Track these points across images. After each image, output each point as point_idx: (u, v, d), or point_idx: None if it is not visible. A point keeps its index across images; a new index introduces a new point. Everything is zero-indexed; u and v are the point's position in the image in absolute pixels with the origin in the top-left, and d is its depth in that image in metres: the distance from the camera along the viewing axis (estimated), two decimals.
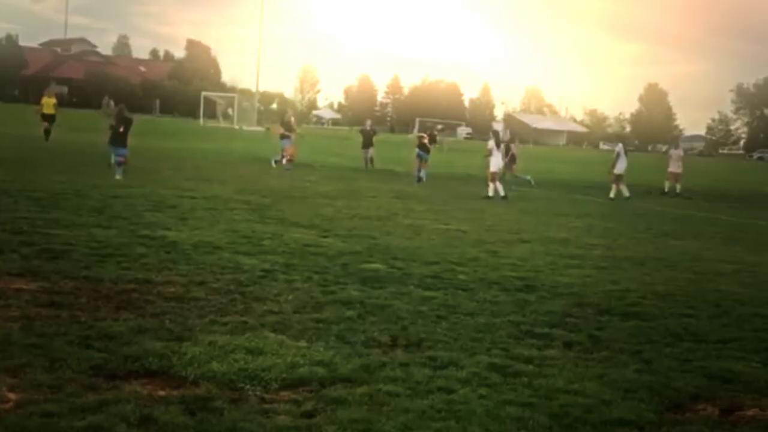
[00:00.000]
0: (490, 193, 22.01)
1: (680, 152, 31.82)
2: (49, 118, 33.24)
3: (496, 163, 22.52)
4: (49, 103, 34.06)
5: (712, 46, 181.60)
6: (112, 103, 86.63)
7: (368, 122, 34.63)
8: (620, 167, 25.92)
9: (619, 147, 27.47)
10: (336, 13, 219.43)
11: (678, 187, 30.10)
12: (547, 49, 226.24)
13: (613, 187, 25.72)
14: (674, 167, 30.58)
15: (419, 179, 27.06)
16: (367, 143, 32.37)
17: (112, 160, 21.09)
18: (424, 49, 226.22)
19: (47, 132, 32.64)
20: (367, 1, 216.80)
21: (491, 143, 23.10)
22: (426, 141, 28.72)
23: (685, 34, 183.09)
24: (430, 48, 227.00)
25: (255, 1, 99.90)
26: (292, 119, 31.20)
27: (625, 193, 25.41)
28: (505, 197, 21.96)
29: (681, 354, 7.57)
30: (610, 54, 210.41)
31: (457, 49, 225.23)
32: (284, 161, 28.32)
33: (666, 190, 30.08)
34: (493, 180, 22.27)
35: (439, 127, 45.27)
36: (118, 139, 20.79)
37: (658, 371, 6.95)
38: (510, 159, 28.34)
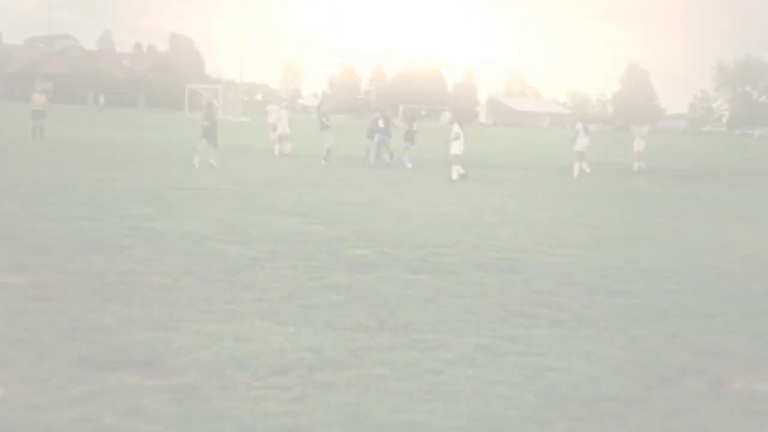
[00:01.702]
0: (454, 176, 21.89)
1: (644, 130, 31.76)
2: (39, 116, 32.68)
3: (459, 146, 22.41)
4: (40, 100, 33.55)
5: (692, 24, 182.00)
6: (102, 98, 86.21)
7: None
8: (581, 144, 26.13)
9: (579, 125, 27.91)
10: (318, 4, 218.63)
11: (644, 165, 30.07)
12: (528, 32, 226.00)
13: (576, 165, 25.87)
14: (638, 146, 30.61)
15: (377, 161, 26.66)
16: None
17: (197, 159, 22.33)
18: (406, 37, 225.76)
19: (35, 130, 32.07)
20: None
21: (456, 127, 22.98)
22: (381, 124, 27.53)
23: (664, 13, 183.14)
24: (411, 35, 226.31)
25: None
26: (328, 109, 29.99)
27: (586, 169, 25.62)
28: (465, 176, 21.91)
29: (667, 330, 7.62)
30: (590, 35, 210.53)
31: (440, 34, 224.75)
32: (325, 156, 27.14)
33: (635, 169, 29.99)
34: (456, 162, 22.15)
35: (423, 113, 44.75)
36: (208, 133, 22.70)
37: (645, 347, 7.00)
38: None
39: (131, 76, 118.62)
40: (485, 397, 5.56)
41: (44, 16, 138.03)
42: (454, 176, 21.86)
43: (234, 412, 5.11)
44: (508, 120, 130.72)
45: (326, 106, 30.45)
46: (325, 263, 9.88)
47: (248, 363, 6.04)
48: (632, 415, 5.48)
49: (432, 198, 17.79)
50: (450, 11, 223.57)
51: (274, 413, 5.14)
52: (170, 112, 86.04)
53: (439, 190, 19.60)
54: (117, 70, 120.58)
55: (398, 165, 26.21)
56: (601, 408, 5.54)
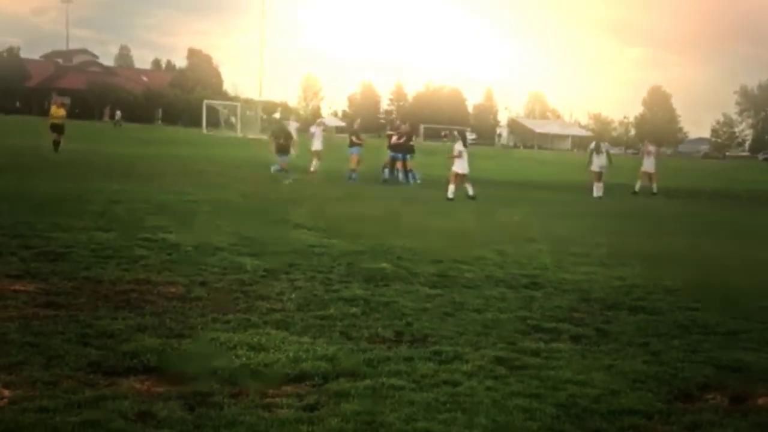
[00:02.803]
0: (450, 195, 21.65)
1: (653, 150, 31.40)
2: (59, 129, 32.19)
3: (462, 165, 22.21)
4: (58, 113, 33.03)
5: (715, 49, 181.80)
6: (118, 113, 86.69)
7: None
8: (596, 165, 25.89)
9: (592, 146, 28.04)
10: (338, 22, 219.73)
11: (654, 186, 29.62)
12: (550, 54, 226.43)
13: (594, 185, 25.59)
14: (648, 167, 30.18)
15: (393, 178, 26.44)
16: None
17: (273, 168, 23.89)
18: (428, 56, 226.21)
19: (56, 143, 31.61)
20: (369, 8, 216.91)
21: (459, 145, 22.71)
22: (398, 140, 27.24)
23: (688, 37, 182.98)
24: (433, 54, 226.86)
25: (256, 11, 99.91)
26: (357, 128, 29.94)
27: (596, 192, 25.29)
28: (473, 197, 21.65)
29: (689, 345, 7.45)
30: (613, 58, 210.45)
31: (461, 54, 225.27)
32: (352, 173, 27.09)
33: (636, 189, 29.46)
34: (455, 181, 21.93)
35: (443, 133, 44.80)
36: (282, 148, 24.00)
37: (667, 362, 6.83)
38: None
39: (149, 91, 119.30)
40: (504, 409, 5.40)
41: (63, 33, 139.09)
42: (450, 194, 21.57)
43: (246, 419, 4.97)
44: (529, 141, 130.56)
45: (358, 125, 30.44)
46: (343, 276, 9.74)
47: (262, 371, 5.91)
48: (653, 429, 5.33)
49: (452, 215, 17.66)
50: (470, 31, 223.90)
51: (287, 421, 5.00)
52: (188, 129, 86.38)
53: (460, 208, 19.44)
54: (135, 85, 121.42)
55: (411, 182, 26.10)
56: (621, 421, 5.38)
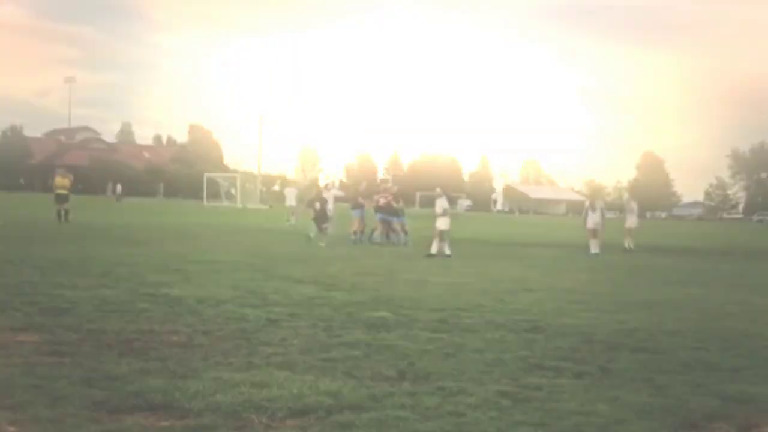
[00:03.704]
0: (433, 251, 21.64)
1: (635, 206, 31.73)
2: (63, 199, 31.93)
3: (444, 222, 22.29)
4: (63, 183, 32.65)
5: (706, 113, 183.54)
6: (119, 187, 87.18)
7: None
8: (591, 222, 25.97)
9: (587, 203, 28.26)
10: (333, 92, 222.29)
11: (631, 243, 29.62)
12: (543, 121, 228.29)
13: (591, 242, 25.62)
14: (629, 223, 30.46)
15: (385, 239, 26.39)
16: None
17: (312, 234, 24.85)
18: (423, 124, 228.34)
19: (60, 214, 31.31)
20: (365, 76, 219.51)
21: (444, 202, 22.79)
22: (385, 202, 27.03)
23: (679, 103, 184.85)
24: (428, 122, 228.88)
25: (255, 88, 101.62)
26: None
27: (593, 249, 25.28)
28: (448, 256, 21.57)
29: (694, 380, 7.47)
30: (606, 124, 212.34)
31: (455, 123, 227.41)
32: (355, 234, 27.20)
33: (626, 246, 29.50)
34: (440, 237, 21.97)
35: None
36: (319, 216, 25.16)
37: (672, 395, 6.85)
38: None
39: (150, 166, 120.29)
40: None
41: (65, 112, 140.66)
42: (433, 250, 21.58)
43: None
44: (524, 207, 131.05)
45: (364, 188, 30.58)
46: (344, 323, 9.78)
47: (266, 406, 5.93)
48: None
49: (450, 270, 17.69)
50: (464, 98, 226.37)
51: None
52: (188, 201, 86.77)
53: (458, 265, 19.49)
54: (136, 161, 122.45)
55: (400, 244, 25.97)
56: None
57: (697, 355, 8.73)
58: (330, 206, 27.41)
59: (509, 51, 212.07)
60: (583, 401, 6.47)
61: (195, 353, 7.74)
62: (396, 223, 26.81)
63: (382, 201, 26.85)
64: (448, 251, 21.69)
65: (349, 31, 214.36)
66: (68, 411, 5.69)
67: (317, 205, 25.63)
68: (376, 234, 27.07)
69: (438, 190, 23.29)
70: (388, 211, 26.82)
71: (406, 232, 26.77)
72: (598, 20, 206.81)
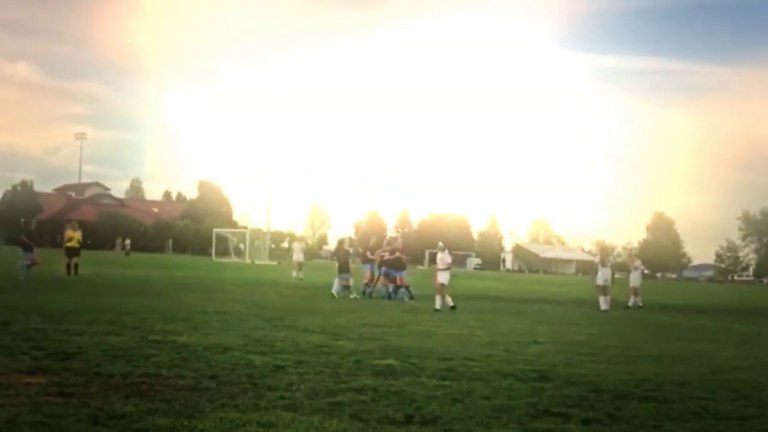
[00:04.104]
0: (437, 305, 21.52)
1: (639, 265, 32.01)
2: (74, 253, 31.45)
3: (444, 276, 22.22)
4: (74, 236, 32.17)
5: (717, 176, 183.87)
6: (128, 242, 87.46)
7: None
8: (601, 278, 25.91)
9: (597, 259, 28.29)
10: (342, 151, 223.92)
11: (639, 300, 29.66)
12: (553, 182, 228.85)
13: (600, 298, 25.52)
14: (634, 281, 30.50)
15: (389, 296, 26.12)
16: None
17: (335, 288, 25.71)
18: (432, 181, 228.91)
19: (69, 267, 30.86)
20: (375, 134, 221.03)
21: (447, 257, 22.74)
22: (390, 256, 26.96)
23: (689, 165, 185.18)
24: (437, 180, 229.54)
25: (264, 143, 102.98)
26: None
27: (602, 306, 25.17)
28: (453, 307, 21.47)
29: (702, 428, 7.46)
30: (616, 186, 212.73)
31: (465, 180, 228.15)
32: (367, 285, 27.30)
33: (630, 304, 29.57)
34: (440, 292, 21.89)
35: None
36: (342, 267, 26.17)
37: None
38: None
39: (159, 222, 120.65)
40: None
41: (75, 169, 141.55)
42: (438, 305, 21.45)
43: None
44: (533, 266, 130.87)
45: (374, 242, 30.59)
46: (352, 370, 9.78)
47: None
48: None
49: (458, 323, 17.64)
50: (474, 156, 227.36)
51: None
52: (197, 257, 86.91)
53: (466, 318, 19.45)
54: (145, 216, 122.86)
55: (405, 298, 25.86)
56: None
57: (705, 404, 8.69)
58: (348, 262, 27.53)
59: (520, 109, 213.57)
60: None
61: (202, 396, 7.75)
62: (398, 278, 26.81)
63: (387, 255, 26.85)
64: (451, 302, 21.57)
65: (359, 92, 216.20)
66: None
67: (341, 260, 26.52)
68: (380, 287, 27.06)
69: (440, 244, 23.24)
70: (395, 266, 26.82)
71: (407, 286, 26.70)
72: (611, 82, 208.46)
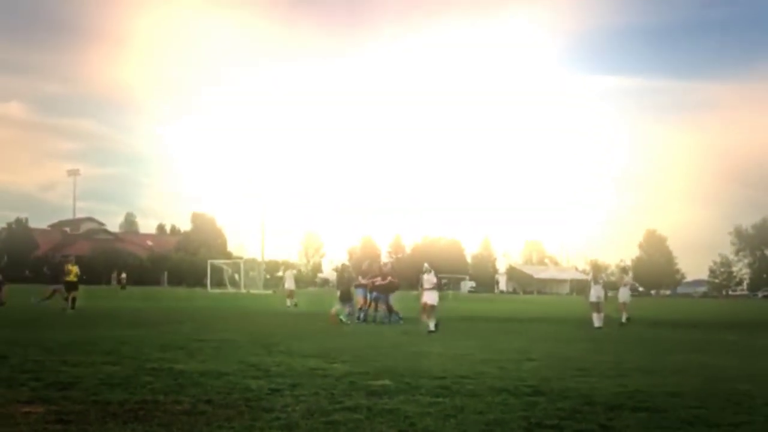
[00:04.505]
0: (431, 327, 21.54)
1: (629, 281, 32.72)
2: (72, 287, 31.22)
3: (432, 297, 22.29)
4: (73, 270, 31.88)
5: (707, 192, 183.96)
6: (124, 276, 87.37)
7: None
8: (594, 295, 26.07)
9: (589, 277, 29.12)
10: (333, 176, 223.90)
11: (624, 316, 29.61)
12: (545, 202, 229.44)
13: (594, 315, 25.64)
14: (622, 297, 30.72)
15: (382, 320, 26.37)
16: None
17: (342, 314, 25.73)
18: (425, 204, 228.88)
19: (68, 300, 30.60)
20: (366, 159, 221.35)
21: (433, 277, 22.81)
22: (382, 281, 27.12)
23: (680, 181, 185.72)
24: (430, 202, 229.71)
25: (256, 173, 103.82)
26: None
27: (596, 323, 25.28)
28: (434, 330, 21.43)
29: None
30: (607, 204, 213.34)
31: (458, 203, 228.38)
32: (361, 310, 27.37)
33: (623, 321, 29.58)
34: (426, 311, 21.94)
35: (444, 281, 44.71)
36: (344, 296, 26.46)
37: None
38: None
39: (154, 255, 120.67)
40: None
41: (69, 205, 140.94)
42: (431, 326, 21.45)
43: None
44: (528, 287, 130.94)
45: (367, 266, 30.67)
46: (346, 391, 9.88)
47: None
48: None
49: (452, 343, 17.75)
50: (466, 182, 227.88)
51: None
52: (193, 289, 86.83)
53: (460, 338, 19.56)
54: (140, 250, 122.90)
55: (392, 321, 25.91)
56: None
57: (697, 413, 8.81)
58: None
59: (512, 129, 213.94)
60: None
61: (198, 419, 7.86)
62: (388, 301, 26.98)
63: (378, 280, 27.03)
64: (432, 326, 21.46)
65: (351, 119, 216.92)
66: None
67: (341, 288, 26.95)
68: (378, 312, 27.18)
69: (426, 265, 23.30)
70: (386, 290, 27.03)
71: (395, 311, 26.80)
72: (602, 101, 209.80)
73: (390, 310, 26.76)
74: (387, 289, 27.04)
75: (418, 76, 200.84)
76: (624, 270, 36.13)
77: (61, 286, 29.73)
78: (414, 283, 35.34)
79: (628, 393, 10.18)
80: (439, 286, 23.31)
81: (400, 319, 26.11)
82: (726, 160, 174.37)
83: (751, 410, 9.07)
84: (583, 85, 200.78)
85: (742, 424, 8.20)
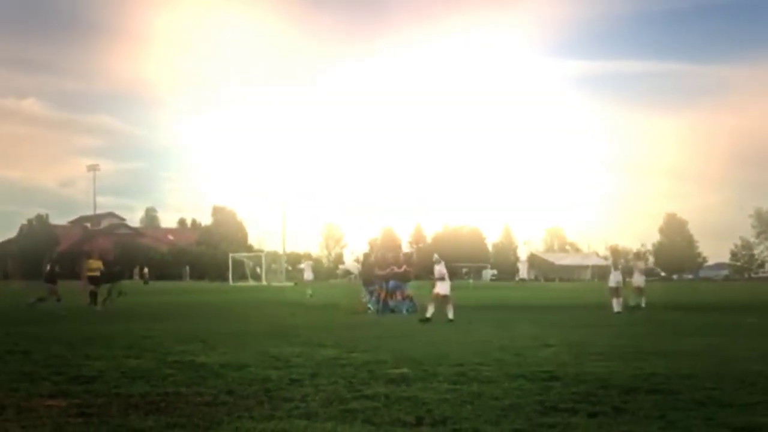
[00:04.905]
0: (450, 316, 21.53)
1: (642, 266, 32.67)
2: (96, 281, 30.89)
3: (444, 287, 22.33)
4: (95, 265, 31.65)
5: (727, 175, 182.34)
6: (146, 271, 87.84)
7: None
8: (613, 280, 26.12)
9: (610, 262, 29.57)
10: (355, 169, 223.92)
11: (643, 300, 29.66)
12: (565, 189, 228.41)
13: (613, 301, 25.65)
14: (637, 281, 30.70)
15: (391, 310, 26.33)
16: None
17: (370, 303, 26.89)
18: (445, 196, 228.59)
19: (92, 295, 30.30)
20: (386, 152, 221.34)
21: (443, 268, 22.82)
22: (398, 269, 27.31)
23: (699, 166, 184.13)
24: (450, 193, 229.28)
25: (277, 165, 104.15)
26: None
27: (615, 308, 25.28)
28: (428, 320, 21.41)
29: (706, 415, 7.65)
30: (627, 190, 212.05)
31: (478, 192, 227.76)
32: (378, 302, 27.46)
33: (632, 304, 29.54)
34: (434, 300, 22.00)
35: (464, 270, 44.71)
36: (367, 283, 27.37)
37: (682, 427, 7.03)
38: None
39: (175, 249, 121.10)
40: None
41: (90, 201, 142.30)
42: (450, 315, 21.44)
43: None
44: (549, 274, 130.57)
45: (380, 257, 30.72)
46: (365, 380, 10.01)
47: None
48: None
49: (469, 331, 17.87)
50: (486, 168, 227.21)
51: None
52: (214, 282, 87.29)
53: (477, 325, 19.68)
54: (161, 244, 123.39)
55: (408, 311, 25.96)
56: None
57: (710, 393, 8.89)
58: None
59: (528, 118, 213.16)
60: None
61: (219, 410, 7.99)
62: (405, 291, 27.15)
63: (396, 269, 27.14)
64: (450, 315, 21.54)
65: (372, 114, 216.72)
66: None
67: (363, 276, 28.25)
68: (390, 302, 27.27)
69: (436, 256, 23.35)
70: (402, 278, 27.21)
71: (410, 298, 26.95)
72: (618, 86, 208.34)
73: (407, 298, 26.86)
74: (404, 278, 27.18)
75: (439, 76, 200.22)
76: (638, 255, 36.15)
77: (55, 287, 29.79)
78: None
79: (644, 376, 10.25)
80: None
81: (415, 310, 26.14)
82: (743, 143, 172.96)
83: (765, 391, 9.12)
84: (594, 73, 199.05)
85: (755, 404, 8.25)
